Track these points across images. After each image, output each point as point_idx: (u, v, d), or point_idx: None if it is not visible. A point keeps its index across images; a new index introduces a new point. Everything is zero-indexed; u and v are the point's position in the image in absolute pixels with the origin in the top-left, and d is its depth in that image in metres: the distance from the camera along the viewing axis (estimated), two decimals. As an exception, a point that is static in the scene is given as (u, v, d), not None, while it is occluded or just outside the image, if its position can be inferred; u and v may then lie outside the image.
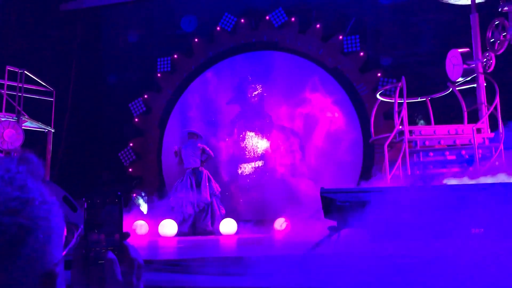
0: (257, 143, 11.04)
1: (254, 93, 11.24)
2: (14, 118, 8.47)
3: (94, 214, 0.91)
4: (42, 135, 9.35)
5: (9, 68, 8.60)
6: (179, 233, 8.12)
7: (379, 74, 10.09)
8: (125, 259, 0.87)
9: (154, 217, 8.49)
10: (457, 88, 7.46)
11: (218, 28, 11.61)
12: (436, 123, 7.53)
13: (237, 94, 11.40)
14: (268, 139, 10.99)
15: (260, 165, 10.95)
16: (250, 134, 11.13)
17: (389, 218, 2.54)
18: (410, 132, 6.80)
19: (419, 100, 7.92)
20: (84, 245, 0.87)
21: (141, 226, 8.27)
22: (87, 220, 0.90)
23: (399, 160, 6.53)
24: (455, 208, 2.32)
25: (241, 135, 11.19)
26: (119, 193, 0.94)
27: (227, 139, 11.25)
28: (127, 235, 0.91)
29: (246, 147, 11.11)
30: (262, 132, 11.06)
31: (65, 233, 0.81)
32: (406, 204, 2.52)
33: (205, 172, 8.79)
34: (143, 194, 11.08)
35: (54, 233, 0.72)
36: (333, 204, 2.71)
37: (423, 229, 2.29)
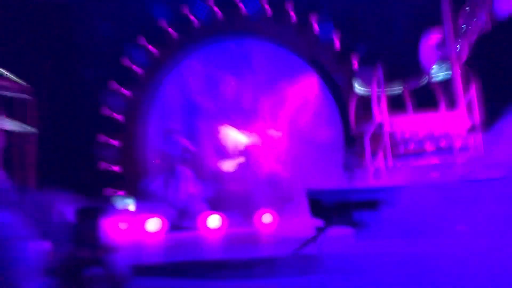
0: (237, 136, 11.03)
1: (227, 85, 11.20)
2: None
3: (80, 227, 0.93)
4: (23, 135, 9.06)
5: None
6: (163, 230, 8.11)
7: (355, 63, 10.15)
8: (111, 272, 0.89)
9: (138, 214, 8.45)
10: (432, 76, 7.56)
11: (193, 18, 11.46)
12: (414, 110, 7.61)
13: (212, 86, 11.32)
14: (247, 132, 10.97)
15: (240, 157, 10.95)
16: (229, 128, 11.10)
17: (375, 217, 2.61)
18: (390, 123, 6.85)
19: (396, 90, 8.01)
20: (70, 259, 0.89)
21: (126, 224, 8.24)
22: (73, 233, 0.93)
23: (380, 152, 6.61)
24: (441, 206, 2.40)
25: (220, 129, 11.14)
26: (105, 207, 0.97)
27: (206, 133, 11.20)
28: (113, 248, 0.93)
29: (226, 139, 11.07)
30: (241, 124, 11.03)
31: (47, 248, 0.83)
32: (390, 203, 2.59)
33: (185, 169, 8.75)
34: (125, 192, 10.98)
35: (27, 270, 0.73)
36: (319, 204, 2.77)
37: (410, 227, 2.36)
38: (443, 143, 6.67)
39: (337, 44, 10.41)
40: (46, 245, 3.01)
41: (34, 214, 3.17)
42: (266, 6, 10.97)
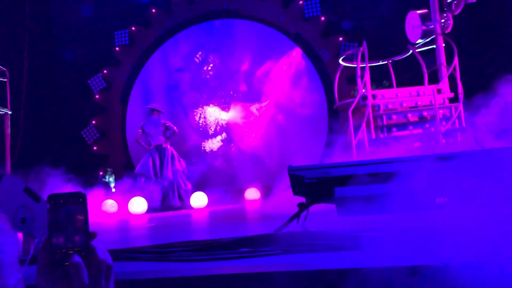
0: (220, 113, 10.99)
1: (196, 59, 11.11)
2: (-33, 102, 8.08)
3: (57, 215, 0.87)
4: (-1, 118, 8.98)
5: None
6: (149, 210, 8.08)
7: (340, 39, 10.10)
8: (93, 260, 0.84)
9: (122, 195, 8.39)
10: (417, 50, 7.57)
11: (175, -3, 11.27)
12: (398, 85, 7.66)
13: (195, 65, 11.23)
14: (230, 109, 10.94)
15: (224, 136, 10.93)
16: (212, 106, 11.05)
17: (356, 191, 2.59)
18: (373, 96, 6.89)
19: (380, 63, 8.01)
20: (49, 248, 0.83)
21: (111, 205, 8.18)
22: (50, 221, 0.87)
23: (363, 124, 6.63)
24: (421, 178, 2.40)
25: (204, 107, 11.09)
26: (83, 192, 0.91)
27: (190, 112, 11.15)
28: (93, 235, 0.88)
29: (208, 119, 11.03)
30: (224, 102, 10.99)
31: (20, 239, 0.77)
32: (372, 178, 2.57)
33: (169, 149, 8.67)
34: (109, 172, 10.92)
35: (5, 265, 0.67)
36: (301, 181, 2.74)
37: (390, 201, 2.35)
38: (425, 114, 6.70)
39: (323, 19, 10.30)
40: (21, 235, 2.93)
41: (6, 201, 3.06)
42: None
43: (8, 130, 8.94)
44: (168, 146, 8.68)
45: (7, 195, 3.14)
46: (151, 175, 8.38)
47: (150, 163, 8.46)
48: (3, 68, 8.89)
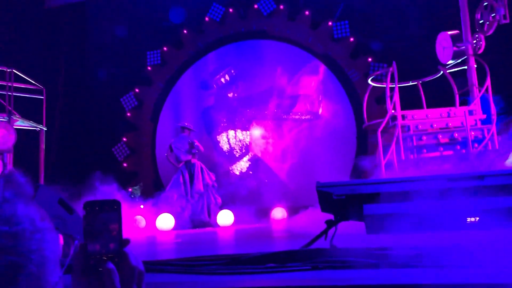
0: (248, 133, 11.04)
1: (222, 79, 11.24)
2: (5, 118, 8.39)
3: (93, 221, 0.90)
4: (34, 134, 9.29)
5: (-3, 67, 8.51)
6: (176, 227, 8.14)
7: (369, 59, 10.09)
8: (125, 267, 0.86)
9: (151, 212, 8.49)
10: (447, 71, 7.49)
11: (206, 19, 11.52)
12: (428, 106, 7.57)
13: (222, 85, 11.38)
14: (258, 128, 10.99)
15: (251, 155, 10.97)
16: (241, 125, 11.12)
17: (386, 209, 2.56)
18: (403, 116, 6.83)
19: (410, 84, 7.95)
20: (83, 254, 0.86)
21: (139, 221, 8.28)
22: (86, 228, 0.89)
23: (393, 145, 6.57)
24: (452, 197, 2.35)
25: (232, 127, 11.18)
26: (117, 200, 0.93)
27: (219, 131, 11.25)
28: (127, 242, 0.89)
29: (238, 138, 11.10)
30: (253, 122, 11.05)
31: (61, 242, 0.80)
32: (402, 196, 2.54)
33: (198, 163, 8.78)
34: (139, 189, 11.06)
35: (48, 261, 0.69)
36: (329, 198, 2.73)
37: (421, 220, 2.32)
38: (456, 136, 6.59)
39: (352, 40, 10.33)
40: (60, 238, 3.01)
41: (46, 208, 3.15)
42: (281, 6, 10.95)
43: (43, 145, 9.23)
44: (197, 161, 8.80)
45: (42, 205, 3.24)
46: (182, 193, 8.48)
47: (181, 180, 8.57)
48: (40, 86, 9.23)
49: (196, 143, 8.85)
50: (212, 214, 8.51)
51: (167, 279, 2.31)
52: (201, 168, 8.74)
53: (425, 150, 6.72)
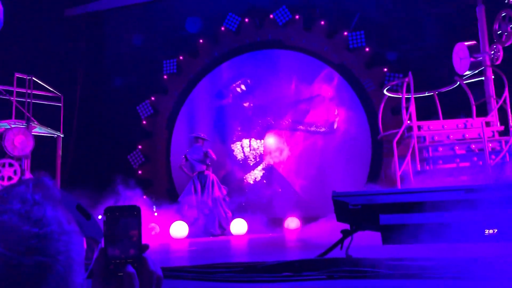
0: (262, 142, 11.05)
1: (238, 89, 11.29)
2: (24, 124, 8.53)
3: (113, 226, 0.91)
4: (52, 140, 9.43)
5: (17, 75, 8.67)
6: (190, 235, 8.15)
7: (385, 69, 10.05)
8: (144, 271, 0.87)
9: (164, 219, 8.52)
10: (464, 82, 7.43)
11: (222, 28, 11.61)
12: (444, 117, 7.51)
13: (237, 94, 11.43)
14: (273, 138, 10.99)
15: (266, 165, 10.97)
16: (255, 135, 11.14)
17: (402, 220, 2.54)
18: (419, 127, 6.78)
19: (426, 94, 7.90)
20: (104, 258, 0.87)
21: (152, 228, 8.32)
22: (106, 233, 0.91)
23: (408, 156, 6.52)
24: (470, 209, 2.33)
25: (246, 136, 11.20)
26: (138, 206, 0.94)
27: (233, 140, 11.29)
28: (146, 247, 0.91)
29: (253, 147, 11.12)
30: (267, 131, 11.07)
31: (84, 246, 0.81)
32: (419, 206, 2.52)
33: (211, 175, 8.79)
34: (153, 196, 11.12)
35: (74, 263, 0.71)
36: (345, 207, 2.72)
37: (437, 231, 2.29)
38: (473, 147, 6.52)
39: (367, 50, 10.31)
40: (84, 242, 3.04)
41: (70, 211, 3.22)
42: (297, 16, 10.99)
43: (60, 152, 9.36)
44: (210, 173, 8.81)
45: (68, 207, 3.28)
46: (193, 203, 8.50)
47: (192, 190, 8.60)
48: (58, 94, 9.38)
49: (210, 152, 8.87)
50: (223, 228, 8.50)
51: (182, 286, 2.32)
52: (213, 181, 8.76)
53: (441, 161, 6.66)
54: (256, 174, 10.98)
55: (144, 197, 8.92)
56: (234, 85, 11.48)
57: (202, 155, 8.82)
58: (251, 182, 10.94)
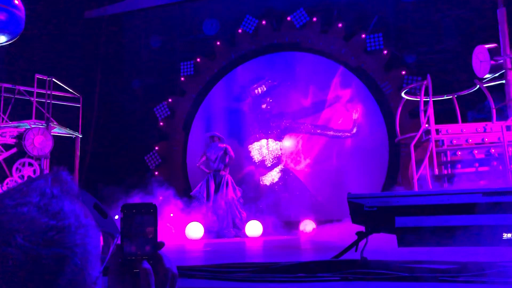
0: (278, 144, 11.04)
1: (257, 90, 11.29)
2: (44, 124, 8.67)
3: (129, 223, 0.92)
4: (70, 141, 9.56)
5: (38, 76, 8.82)
6: (205, 235, 8.18)
7: (403, 72, 9.96)
8: (160, 268, 0.88)
9: (180, 220, 8.56)
10: (484, 85, 7.32)
11: (239, 31, 11.65)
12: (464, 120, 7.41)
13: (253, 96, 11.44)
14: (289, 140, 10.97)
15: (281, 167, 10.95)
16: (271, 137, 11.13)
17: (418, 222, 2.51)
18: (437, 131, 6.70)
19: (445, 97, 7.81)
20: (120, 254, 0.88)
21: (168, 229, 8.37)
22: (123, 229, 0.92)
23: (426, 160, 6.44)
24: (487, 213, 2.29)
25: (262, 138, 11.20)
26: (154, 203, 0.95)
27: (249, 142, 11.29)
28: (161, 244, 0.91)
29: (269, 149, 11.11)
30: (283, 134, 11.05)
31: (101, 243, 0.82)
32: (435, 209, 2.49)
33: (226, 176, 8.81)
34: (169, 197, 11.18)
35: (91, 256, 0.71)
36: (360, 209, 2.70)
37: (454, 234, 2.26)
38: (493, 151, 6.41)
39: (385, 53, 10.24)
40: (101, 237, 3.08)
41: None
42: (314, 19, 10.97)
43: (78, 152, 9.48)
44: (226, 174, 8.83)
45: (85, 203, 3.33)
46: (203, 198, 8.54)
47: (205, 187, 8.65)
48: (77, 94, 9.51)
49: (228, 149, 8.93)
50: (238, 229, 8.51)
51: (196, 285, 2.32)
52: (227, 182, 8.78)
53: (459, 166, 6.57)
54: (273, 176, 10.96)
55: (160, 198, 8.98)
56: (251, 87, 11.49)
57: (221, 152, 8.87)
58: (268, 184, 10.93)
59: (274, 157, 11.04)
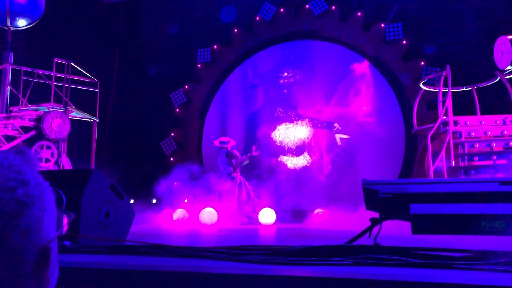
0: (295, 133, 11.02)
1: (276, 79, 11.28)
2: (62, 108, 8.78)
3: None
4: (88, 125, 9.67)
5: (57, 60, 8.91)
6: (219, 221, 8.25)
7: (422, 63, 9.83)
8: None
9: (194, 205, 8.64)
10: (505, 77, 7.20)
11: (257, 18, 11.60)
12: (483, 113, 7.31)
13: (270, 84, 11.41)
14: (306, 129, 10.94)
15: (297, 156, 10.94)
16: (286, 125, 11.12)
17: (433, 210, 2.50)
18: (455, 122, 6.62)
19: (464, 89, 7.70)
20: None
21: (181, 214, 8.45)
22: None
23: (443, 151, 6.38)
24: (503, 201, 2.27)
25: (278, 127, 11.19)
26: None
27: (263, 130, 11.29)
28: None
29: (284, 138, 11.11)
30: (299, 122, 11.02)
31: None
32: (450, 197, 2.47)
33: (238, 178, 8.93)
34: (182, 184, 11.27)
35: (47, 212, 0.77)
36: (375, 196, 2.69)
37: (468, 222, 2.25)
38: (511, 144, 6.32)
39: (404, 43, 10.11)
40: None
41: (94, 194, 3.36)
42: (333, 7, 10.86)
43: (95, 136, 9.59)
44: (238, 175, 8.96)
45: (96, 189, 3.39)
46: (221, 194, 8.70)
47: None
48: (95, 79, 9.59)
49: (233, 152, 9.04)
50: (250, 217, 8.62)
51: (209, 265, 2.35)
52: (240, 184, 8.87)
53: (476, 158, 6.50)
54: (288, 164, 10.96)
55: (175, 183, 9.05)
56: (269, 75, 11.46)
57: (224, 158, 9.07)
58: (281, 169, 10.92)
59: (289, 145, 11.03)
